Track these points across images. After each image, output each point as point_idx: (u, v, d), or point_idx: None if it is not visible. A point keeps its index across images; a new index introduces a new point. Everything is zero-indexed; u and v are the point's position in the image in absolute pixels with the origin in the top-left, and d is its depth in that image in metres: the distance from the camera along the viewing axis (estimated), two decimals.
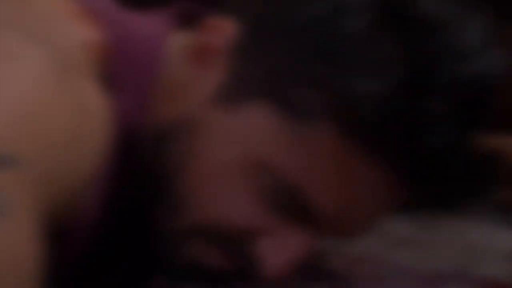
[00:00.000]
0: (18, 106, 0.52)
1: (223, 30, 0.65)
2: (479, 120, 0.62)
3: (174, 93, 0.66)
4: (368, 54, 0.60)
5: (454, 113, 0.59)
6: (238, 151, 0.63)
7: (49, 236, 0.52)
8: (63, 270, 0.58)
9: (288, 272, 0.65)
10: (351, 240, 0.67)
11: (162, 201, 0.65)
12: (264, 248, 0.64)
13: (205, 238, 0.65)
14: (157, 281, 0.69)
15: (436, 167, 0.61)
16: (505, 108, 0.66)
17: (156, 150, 0.66)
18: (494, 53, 0.62)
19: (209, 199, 0.64)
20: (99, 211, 0.65)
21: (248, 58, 0.64)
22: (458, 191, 0.63)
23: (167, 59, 0.68)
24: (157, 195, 0.66)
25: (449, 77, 0.59)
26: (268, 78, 0.62)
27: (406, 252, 0.99)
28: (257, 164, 0.62)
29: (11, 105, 0.52)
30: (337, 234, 0.65)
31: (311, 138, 0.61)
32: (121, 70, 0.66)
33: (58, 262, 0.54)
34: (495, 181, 0.67)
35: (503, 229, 1.07)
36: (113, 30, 0.66)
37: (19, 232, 0.48)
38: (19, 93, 0.53)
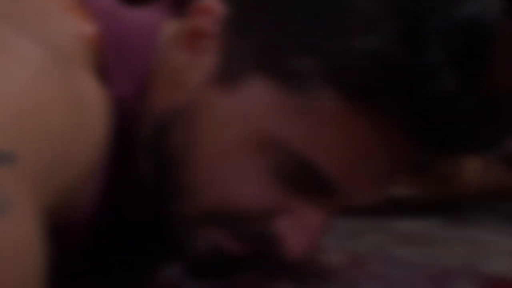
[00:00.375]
0: (14, 101, 0.52)
1: (211, 11, 0.64)
2: (482, 65, 0.61)
3: (171, 81, 0.65)
4: (359, 10, 0.59)
5: (454, 58, 0.58)
6: (242, 129, 0.62)
7: (50, 231, 0.52)
8: (63, 265, 0.58)
9: (311, 249, 0.63)
10: (357, 237, 0.66)
11: (170, 190, 0.64)
12: (283, 227, 0.63)
13: (221, 223, 0.63)
14: (158, 280, 0.68)
15: (441, 116, 0.59)
16: None
17: (158, 138, 0.65)
18: None
19: (220, 183, 0.63)
20: (100, 204, 0.64)
21: (239, 33, 0.63)
22: (467, 140, 0.61)
23: (162, 47, 0.67)
24: (164, 184, 0.65)
25: (444, 22, 0.58)
26: (261, 50, 0.62)
27: (413, 248, 0.99)
28: (263, 139, 0.61)
29: (7, 101, 0.51)
30: (351, 202, 0.64)
31: (313, 106, 0.60)
32: (115, 60, 0.65)
33: (58, 257, 0.54)
34: (504, 129, 0.65)
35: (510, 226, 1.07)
36: (106, 21, 0.66)
37: (20, 229, 0.47)
38: (15, 88, 0.52)
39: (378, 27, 0.58)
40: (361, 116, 0.60)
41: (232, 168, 0.62)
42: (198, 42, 0.64)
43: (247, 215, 0.63)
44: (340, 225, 1.00)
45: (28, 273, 0.47)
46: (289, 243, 0.63)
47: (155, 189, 0.65)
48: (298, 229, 0.63)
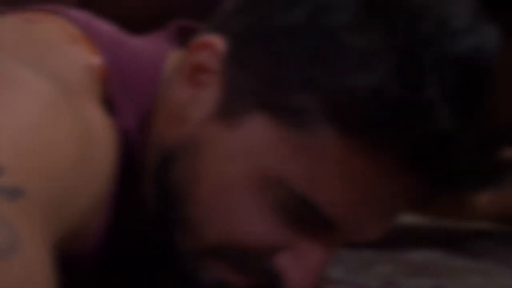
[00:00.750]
0: (23, 136, 0.52)
1: (212, 46, 0.65)
2: (480, 100, 0.61)
3: (174, 114, 0.66)
4: (356, 47, 0.59)
5: (451, 94, 0.58)
6: (244, 166, 0.62)
7: (57, 262, 0.52)
8: None
9: (312, 285, 0.63)
10: (366, 269, 0.66)
11: (173, 223, 0.65)
12: (284, 263, 0.63)
13: (223, 258, 0.63)
14: None
15: (440, 153, 0.59)
16: None
17: (162, 171, 0.65)
18: (485, 30, 0.60)
19: (222, 219, 0.63)
20: (107, 234, 0.65)
21: (239, 69, 0.63)
22: (468, 177, 0.60)
23: (166, 80, 0.68)
24: (168, 217, 0.65)
25: (440, 57, 0.58)
26: (261, 86, 0.62)
27: (423, 279, 0.98)
28: (264, 177, 0.61)
29: (16, 135, 0.52)
30: (353, 238, 0.64)
31: (313, 144, 0.60)
32: (120, 92, 0.66)
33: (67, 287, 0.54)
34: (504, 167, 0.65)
35: None
36: (111, 52, 0.67)
37: (29, 265, 0.48)
38: (24, 122, 0.53)
39: (375, 63, 0.58)
40: (361, 153, 0.59)
41: (233, 205, 0.62)
42: (200, 76, 0.65)
43: (249, 251, 0.63)
44: (349, 257, 1.00)
45: None
46: (290, 279, 0.63)
47: (158, 221, 0.65)
48: (299, 265, 0.63)
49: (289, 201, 0.61)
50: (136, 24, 0.75)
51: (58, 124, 0.55)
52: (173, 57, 0.69)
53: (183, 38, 0.71)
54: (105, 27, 0.69)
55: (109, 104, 0.65)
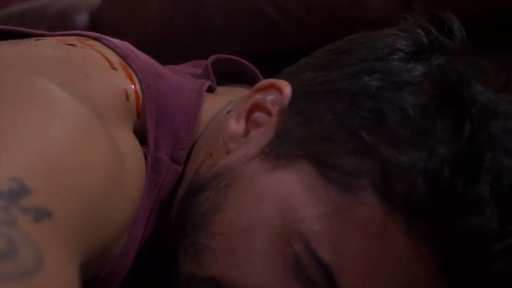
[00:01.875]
0: (54, 158, 0.52)
1: (280, 91, 0.65)
2: None
3: (218, 144, 0.66)
4: (421, 126, 0.59)
5: (501, 197, 0.57)
6: (272, 210, 0.60)
7: (85, 284, 0.52)
8: None
9: None
10: None
11: (183, 247, 0.64)
12: None
13: None
14: None
15: (477, 252, 0.58)
16: None
17: (188, 197, 0.65)
18: None
19: (230, 256, 0.62)
20: (134, 258, 0.65)
21: (296, 119, 0.63)
22: (499, 283, 0.59)
23: (209, 113, 0.68)
24: (181, 241, 0.65)
25: (499, 158, 0.58)
26: (314, 141, 0.61)
27: None
28: (289, 228, 0.60)
29: (48, 157, 0.52)
30: None
31: (352, 209, 0.59)
32: (156, 123, 0.66)
33: None
34: None
35: None
36: (150, 83, 0.67)
37: (54, 284, 0.48)
38: (57, 144, 0.53)
39: (435, 146, 0.58)
40: (397, 232, 0.58)
41: (247, 245, 0.61)
42: (257, 115, 0.65)
43: None
44: None
45: None
46: None
47: (174, 245, 0.66)
48: None
49: (305, 260, 0.59)
50: (144, 45, 0.76)
51: (91, 148, 0.56)
52: (224, 96, 0.69)
53: (220, 69, 0.72)
54: (146, 59, 0.70)
55: (143, 132, 0.66)
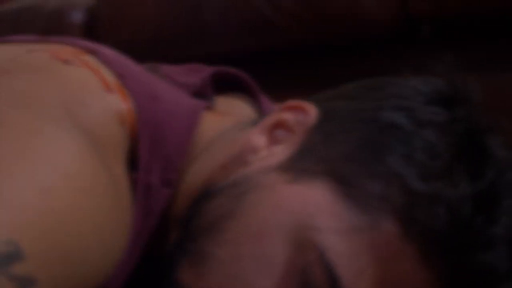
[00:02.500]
0: (55, 220, 0.53)
1: (305, 113, 0.65)
2: None
3: (235, 157, 0.66)
4: (448, 163, 0.60)
5: (510, 242, 0.59)
6: (288, 218, 0.60)
7: None
8: None
9: None
10: None
11: (184, 254, 0.64)
12: None
13: None
14: None
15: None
16: None
17: (199, 203, 0.65)
18: None
19: (238, 262, 0.61)
20: (127, 276, 0.64)
21: (324, 140, 0.63)
22: None
23: (210, 133, 0.68)
24: (182, 248, 0.64)
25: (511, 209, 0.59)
26: (339, 160, 0.61)
27: None
28: (305, 237, 0.60)
29: (48, 219, 0.53)
30: None
31: (371, 231, 0.59)
32: (150, 147, 0.66)
33: None
34: None
35: None
36: (146, 106, 0.66)
37: None
38: (58, 204, 0.54)
39: (460, 182, 0.59)
40: (410, 259, 0.58)
41: (254, 252, 0.61)
42: (279, 132, 0.66)
43: None
44: None
45: None
46: None
47: (172, 252, 0.65)
48: None
49: (315, 270, 0.59)
50: (140, 42, 0.75)
51: (92, 212, 0.56)
52: (216, 118, 0.69)
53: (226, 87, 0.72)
54: (143, 77, 0.69)
55: (134, 154, 0.65)
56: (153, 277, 0.67)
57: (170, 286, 0.63)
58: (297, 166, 0.62)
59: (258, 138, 0.66)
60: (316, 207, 0.60)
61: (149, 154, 0.65)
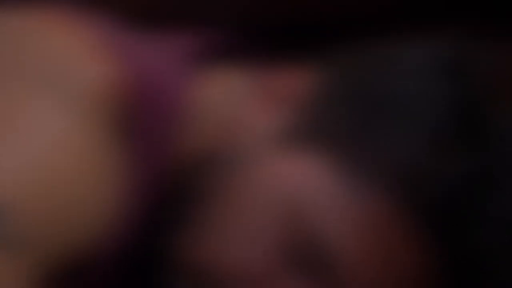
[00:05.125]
0: (33, 170, 0.54)
1: (306, 85, 0.65)
2: None
3: (225, 126, 0.66)
4: (444, 141, 0.60)
5: (504, 223, 0.59)
6: (280, 193, 0.61)
7: (72, 271, 0.55)
8: None
9: None
10: None
11: (178, 226, 0.64)
12: None
13: (206, 279, 0.62)
14: None
15: (474, 269, 0.59)
16: None
17: (190, 173, 0.65)
18: None
19: (225, 236, 0.62)
20: (121, 245, 0.64)
21: (321, 110, 0.63)
22: None
23: (207, 100, 0.68)
24: (176, 218, 0.64)
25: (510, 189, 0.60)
26: (336, 132, 0.62)
27: None
28: (294, 212, 0.60)
29: (27, 170, 0.54)
30: None
31: (361, 204, 0.60)
32: (141, 111, 0.65)
33: None
34: None
35: None
36: (134, 67, 0.65)
37: None
38: (37, 154, 0.55)
39: (457, 155, 0.59)
40: (401, 233, 0.59)
41: (246, 226, 0.61)
42: (277, 104, 0.65)
43: (237, 278, 0.62)
44: None
45: None
46: None
47: (167, 219, 0.65)
48: None
49: (304, 244, 0.60)
50: (137, 15, 0.74)
51: (72, 157, 0.57)
52: (237, 74, 0.69)
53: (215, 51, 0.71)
54: (129, 40, 0.68)
55: (128, 123, 0.65)
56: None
57: (166, 251, 0.63)
58: (295, 139, 0.62)
59: (255, 110, 0.65)
60: (309, 178, 0.60)
61: (141, 119, 0.64)
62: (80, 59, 0.63)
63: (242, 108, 0.66)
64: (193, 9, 0.74)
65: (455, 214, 0.59)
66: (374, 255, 0.59)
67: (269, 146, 0.63)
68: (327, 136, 0.62)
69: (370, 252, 0.59)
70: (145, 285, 0.66)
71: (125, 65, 0.65)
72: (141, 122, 0.65)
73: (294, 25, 0.75)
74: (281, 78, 0.66)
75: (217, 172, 0.63)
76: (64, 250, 0.56)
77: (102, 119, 0.62)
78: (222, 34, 0.75)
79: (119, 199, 0.61)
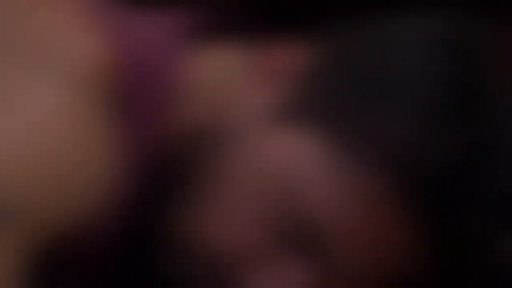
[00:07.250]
0: (26, 145, 0.54)
1: (299, 62, 0.65)
2: None
3: (218, 101, 0.65)
4: (436, 112, 0.60)
5: (506, 198, 0.59)
6: (272, 167, 0.61)
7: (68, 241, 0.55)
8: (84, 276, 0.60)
9: None
10: None
11: (171, 202, 0.64)
12: (259, 278, 0.62)
13: (198, 256, 0.63)
14: None
15: (469, 254, 0.60)
16: None
17: (186, 150, 0.65)
18: None
19: (218, 211, 0.62)
20: (115, 218, 0.64)
21: (313, 86, 0.63)
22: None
23: (203, 74, 0.67)
24: (168, 193, 0.64)
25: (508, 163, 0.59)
26: (328, 107, 0.62)
27: None
28: (285, 189, 0.61)
29: (19, 144, 0.54)
30: (340, 270, 0.62)
31: (354, 180, 0.60)
32: (132, 87, 0.65)
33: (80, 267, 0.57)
34: None
35: None
36: (125, 43, 0.65)
37: None
38: (26, 135, 0.55)
39: (452, 130, 0.59)
40: (395, 209, 0.59)
41: (237, 202, 0.61)
42: (271, 80, 0.65)
43: (228, 255, 0.62)
44: None
45: None
46: None
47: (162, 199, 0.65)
48: (273, 283, 0.61)
49: (294, 220, 0.60)
50: None
51: (61, 136, 0.57)
52: (228, 51, 0.68)
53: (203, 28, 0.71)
54: (120, 15, 0.67)
55: (120, 98, 0.64)
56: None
57: (158, 225, 0.64)
58: (286, 114, 0.62)
59: (249, 85, 0.65)
60: (301, 153, 0.61)
61: (133, 94, 0.64)
62: (71, 35, 0.63)
63: (235, 83, 0.66)
64: None
65: (448, 190, 0.59)
66: (365, 231, 0.59)
67: (262, 122, 0.63)
68: (320, 112, 0.62)
69: (361, 228, 0.59)
70: (138, 259, 0.65)
71: (117, 40, 0.64)
72: (133, 96, 0.64)
73: (287, 1, 0.75)
74: (274, 54, 0.66)
75: (210, 147, 0.63)
76: (56, 223, 0.56)
77: (93, 94, 0.61)
78: (215, 9, 0.74)
79: (111, 172, 0.61)
